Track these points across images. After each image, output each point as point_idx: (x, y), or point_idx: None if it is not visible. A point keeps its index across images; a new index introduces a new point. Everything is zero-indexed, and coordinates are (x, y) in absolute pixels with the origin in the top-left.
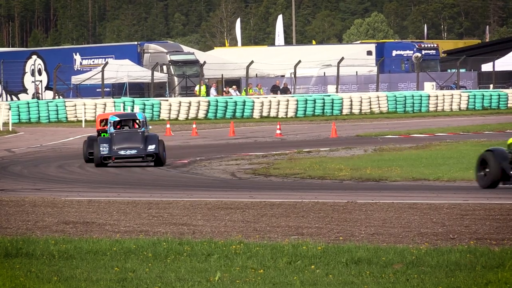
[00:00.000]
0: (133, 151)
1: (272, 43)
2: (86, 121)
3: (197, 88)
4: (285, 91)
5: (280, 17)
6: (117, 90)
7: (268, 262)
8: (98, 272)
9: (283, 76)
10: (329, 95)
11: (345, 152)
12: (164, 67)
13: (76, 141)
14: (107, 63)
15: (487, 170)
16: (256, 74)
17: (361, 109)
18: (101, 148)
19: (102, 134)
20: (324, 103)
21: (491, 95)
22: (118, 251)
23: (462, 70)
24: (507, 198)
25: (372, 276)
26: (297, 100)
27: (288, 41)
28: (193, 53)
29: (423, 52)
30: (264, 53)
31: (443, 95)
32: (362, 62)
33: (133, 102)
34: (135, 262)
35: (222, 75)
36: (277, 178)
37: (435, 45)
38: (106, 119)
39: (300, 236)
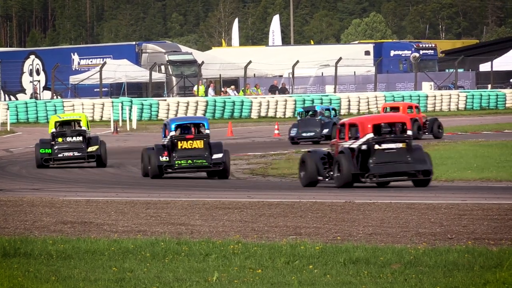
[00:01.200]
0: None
1: (268, 43)
2: None
3: (195, 88)
4: (283, 91)
5: (276, 17)
6: (115, 90)
7: (266, 262)
8: (96, 272)
9: (281, 76)
10: (327, 95)
11: None
12: (162, 67)
13: None
14: (105, 63)
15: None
16: (254, 74)
17: (359, 109)
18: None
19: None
20: (322, 103)
21: (489, 95)
22: (116, 251)
23: (460, 70)
24: (505, 198)
25: (370, 276)
26: (295, 100)
27: (286, 41)
28: (191, 53)
29: (421, 52)
30: (262, 53)
31: (441, 95)
32: (360, 62)
33: (131, 102)
34: (133, 262)
35: (220, 75)
36: (275, 178)
37: (433, 45)
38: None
39: (298, 236)
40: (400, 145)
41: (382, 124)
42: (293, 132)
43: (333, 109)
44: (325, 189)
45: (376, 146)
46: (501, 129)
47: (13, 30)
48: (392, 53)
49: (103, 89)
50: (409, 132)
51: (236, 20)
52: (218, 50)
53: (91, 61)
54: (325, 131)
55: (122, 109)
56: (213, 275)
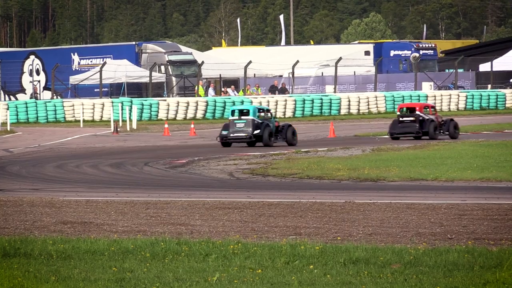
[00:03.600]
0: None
1: (270, 43)
2: (84, 121)
3: (196, 88)
4: (283, 91)
5: (281, 17)
6: (115, 90)
7: (266, 262)
8: (96, 272)
9: (281, 76)
10: (327, 95)
11: (343, 152)
12: (162, 67)
13: (74, 141)
14: (105, 63)
15: None
16: (254, 74)
17: (359, 109)
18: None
19: None
20: (322, 103)
21: (489, 95)
22: (116, 251)
23: (460, 70)
24: (505, 198)
25: (370, 276)
26: (295, 100)
27: (286, 41)
28: (191, 53)
29: (421, 52)
30: (262, 53)
31: (441, 95)
32: (360, 62)
33: (131, 102)
34: (133, 262)
35: (220, 75)
36: (275, 178)
37: (433, 45)
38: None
39: (298, 236)
40: None
41: None
42: (224, 132)
43: (268, 110)
44: (325, 189)
45: None
46: (501, 129)
47: (13, 30)
48: (392, 53)
49: (103, 89)
50: None
51: (238, 20)
52: (218, 50)
53: (91, 61)
54: (257, 131)
55: (122, 109)
56: (213, 275)
